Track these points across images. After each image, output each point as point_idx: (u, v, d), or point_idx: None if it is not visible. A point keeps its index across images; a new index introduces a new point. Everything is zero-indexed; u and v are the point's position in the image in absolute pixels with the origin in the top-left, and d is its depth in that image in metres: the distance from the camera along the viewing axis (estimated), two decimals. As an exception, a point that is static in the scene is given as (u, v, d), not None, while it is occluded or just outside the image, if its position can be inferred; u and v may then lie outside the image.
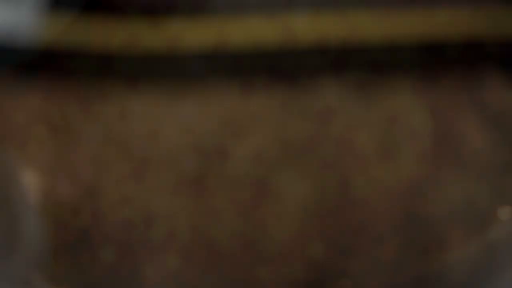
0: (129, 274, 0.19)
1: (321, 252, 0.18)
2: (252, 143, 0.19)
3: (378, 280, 0.18)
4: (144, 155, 0.19)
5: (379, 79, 0.18)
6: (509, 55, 0.17)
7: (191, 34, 0.18)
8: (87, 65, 0.19)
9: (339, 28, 0.18)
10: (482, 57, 0.18)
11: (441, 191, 0.18)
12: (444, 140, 0.18)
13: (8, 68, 0.15)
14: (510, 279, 0.18)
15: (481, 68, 0.17)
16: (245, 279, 0.19)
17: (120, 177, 0.18)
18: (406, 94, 0.18)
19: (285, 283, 0.19)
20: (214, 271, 0.19)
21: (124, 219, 0.18)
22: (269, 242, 0.19)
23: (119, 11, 0.18)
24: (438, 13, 0.18)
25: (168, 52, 0.18)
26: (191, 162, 0.19)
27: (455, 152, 0.18)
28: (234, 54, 0.18)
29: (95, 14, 0.18)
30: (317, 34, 0.18)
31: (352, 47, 0.18)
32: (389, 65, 0.18)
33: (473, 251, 0.17)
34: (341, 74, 0.18)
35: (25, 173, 0.18)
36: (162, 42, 0.19)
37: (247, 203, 0.19)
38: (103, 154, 0.19)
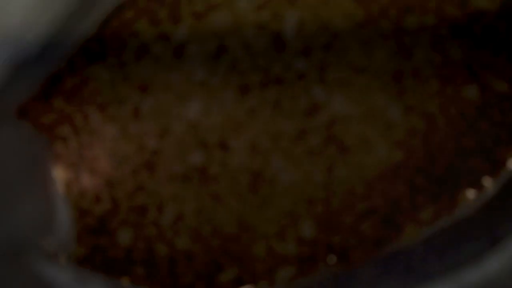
0: (143, 254, 0.21)
1: (310, 230, 0.20)
2: (248, 137, 0.20)
3: (359, 255, 0.20)
4: (155, 146, 0.20)
5: (358, 78, 0.20)
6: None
7: (195, 39, 0.20)
8: (104, 71, 0.20)
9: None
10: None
11: (412, 175, 0.20)
12: (414, 132, 0.20)
13: (40, 77, 0.17)
14: (470, 251, 0.19)
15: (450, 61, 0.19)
16: (244, 252, 0.21)
17: (134, 168, 0.20)
18: (381, 91, 0.20)
19: (279, 258, 0.20)
20: (217, 249, 0.21)
21: (138, 206, 0.20)
22: (265, 222, 0.20)
23: None
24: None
25: (174, 58, 0.20)
26: (196, 154, 0.20)
27: (424, 141, 0.20)
28: (232, 58, 0.20)
29: None
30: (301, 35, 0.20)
31: (333, 49, 0.20)
32: (366, 66, 0.20)
33: (441, 227, 0.20)
34: (325, 75, 0.20)
35: (53, 167, 0.19)
36: (169, 50, 0.21)
37: (245, 189, 0.20)
38: (121, 146, 0.20)
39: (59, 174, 0.20)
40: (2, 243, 0.15)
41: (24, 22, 0.16)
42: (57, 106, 0.20)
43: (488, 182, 0.20)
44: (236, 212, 0.20)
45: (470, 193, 0.20)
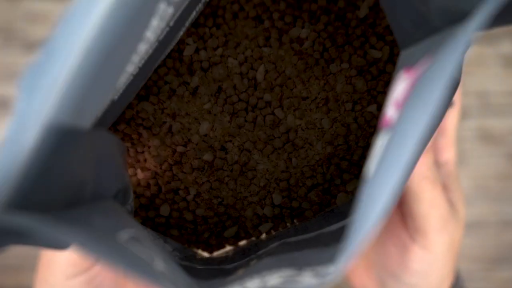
0: (177, 220, 0.24)
1: (279, 199, 0.24)
2: (238, 142, 0.24)
3: (310, 213, 0.24)
4: (182, 150, 0.24)
5: (302, 103, 0.23)
6: None
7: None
8: (149, 106, 0.23)
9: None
10: None
11: (339, 161, 0.23)
12: (338, 135, 0.23)
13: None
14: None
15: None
16: (239, 215, 0.24)
17: (170, 165, 0.24)
18: (317, 110, 0.23)
19: (261, 217, 0.24)
20: (222, 214, 0.24)
21: (173, 189, 0.24)
22: (250, 195, 0.24)
23: None
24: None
25: (191, 96, 0.23)
26: (207, 154, 0.24)
27: (345, 140, 0.23)
28: (226, 95, 0.23)
29: None
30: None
31: (286, 86, 0.23)
32: (307, 95, 0.23)
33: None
34: (282, 102, 0.23)
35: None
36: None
37: (237, 174, 0.24)
38: (161, 152, 0.24)
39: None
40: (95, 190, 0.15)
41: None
42: (121, 129, 0.24)
43: None
44: (232, 189, 0.24)
45: None
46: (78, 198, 0.15)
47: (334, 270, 0.12)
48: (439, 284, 0.23)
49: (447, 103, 0.16)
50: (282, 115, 0.23)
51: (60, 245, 0.14)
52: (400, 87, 0.13)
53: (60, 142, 0.13)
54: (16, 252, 0.47)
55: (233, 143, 0.23)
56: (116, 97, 0.16)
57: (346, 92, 0.23)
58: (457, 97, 0.23)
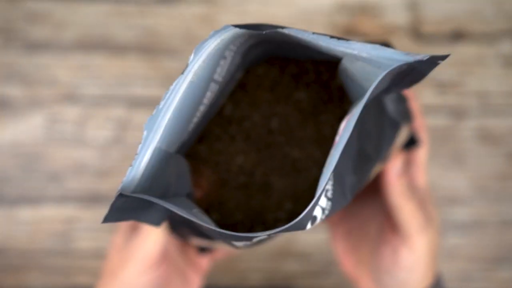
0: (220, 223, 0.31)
1: (291, 207, 0.29)
2: (263, 170, 0.31)
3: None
4: (225, 177, 0.31)
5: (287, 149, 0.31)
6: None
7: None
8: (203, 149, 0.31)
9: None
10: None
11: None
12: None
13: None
14: None
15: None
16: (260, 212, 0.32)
17: (216, 185, 0.31)
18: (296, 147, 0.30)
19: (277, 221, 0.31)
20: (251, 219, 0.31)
21: (217, 201, 0.31)
22: (269, 205, 0.31)
23: None
24: None
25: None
26: (242, 177, 0.32)
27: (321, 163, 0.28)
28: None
29: None
30: None
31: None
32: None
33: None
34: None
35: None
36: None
37: (259, 191, 0.31)
38: (210, 176, 0.31)
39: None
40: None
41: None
42: (187, 157, 0.31)
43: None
44: (257, 200, 0.31)
45: None
46: (166, 194, 0.25)
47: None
48: (422, 278, 0.32)
49: (371, 132, 0.26)
50: (293, 151, 0.31)
51: (157, 221, 0.25)
52: (343, 123, 0.22)
53: (160, 160, 0.24)
54: (16, 252, 0.47)
55: (258, 170, 0.31)
56: (186, 138, 0.27)
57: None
58: (425, 138, 0.33)
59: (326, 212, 0.23)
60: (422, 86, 0.49)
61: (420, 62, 0.20)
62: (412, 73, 0.22)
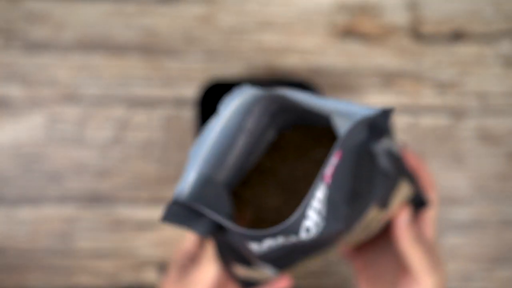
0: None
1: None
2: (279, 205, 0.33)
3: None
4: (258, 214, 0.37)
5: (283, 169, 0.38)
6: None
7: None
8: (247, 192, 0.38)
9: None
10: None
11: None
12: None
13: None
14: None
15: None
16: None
17: (251, 221, 0.36)
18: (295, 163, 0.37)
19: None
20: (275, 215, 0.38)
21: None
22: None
23: None
24: None
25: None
26: (270, 213, 0.38)
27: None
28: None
29: None
30: None
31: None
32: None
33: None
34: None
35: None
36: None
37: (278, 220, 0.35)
38: (246, 212, 0.37)
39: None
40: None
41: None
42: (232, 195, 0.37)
43: None
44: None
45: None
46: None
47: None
48: None
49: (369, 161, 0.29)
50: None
51: (204, 231, 0.28)
52: (333, 160, 0.26)
53: (202, 183, 0.29)
54: (16, 252, 0.47)
55: (285, 209, 0.38)
56: (230, 174, 0.31)
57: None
58: (434, 198, 0.36)
59: (320, 228, 0.26)
60: (422, 86, 0.49)
61: (375, 115, 0.24)
62: (376, 125, 0.26)
